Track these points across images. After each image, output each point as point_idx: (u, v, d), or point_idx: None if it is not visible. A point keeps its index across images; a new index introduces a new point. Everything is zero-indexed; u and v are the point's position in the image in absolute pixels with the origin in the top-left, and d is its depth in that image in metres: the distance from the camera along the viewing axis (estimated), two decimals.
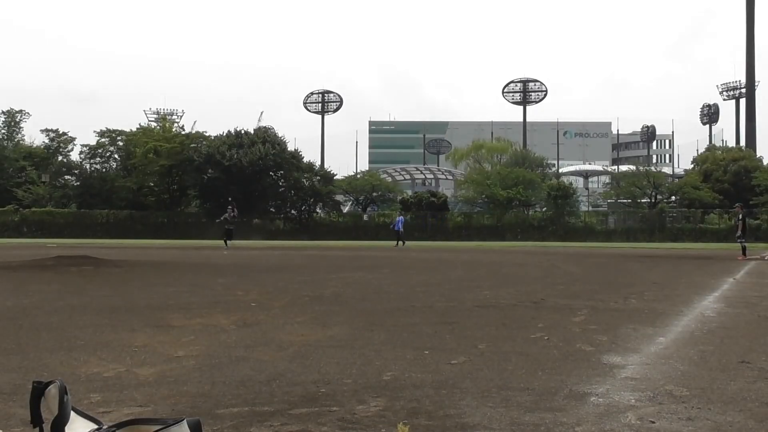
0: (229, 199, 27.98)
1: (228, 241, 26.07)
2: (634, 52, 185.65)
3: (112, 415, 2.86)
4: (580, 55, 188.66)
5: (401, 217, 37.59)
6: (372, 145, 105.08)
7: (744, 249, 20.15)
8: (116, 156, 59.68)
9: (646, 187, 55.64)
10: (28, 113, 66.32)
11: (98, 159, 59.64)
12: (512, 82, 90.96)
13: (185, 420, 1.00)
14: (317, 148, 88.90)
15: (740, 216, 21.77)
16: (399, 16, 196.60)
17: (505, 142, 65.35)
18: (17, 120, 65.33)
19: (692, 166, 64.65)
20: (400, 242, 33.39)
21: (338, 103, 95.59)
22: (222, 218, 27.34)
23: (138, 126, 59.56)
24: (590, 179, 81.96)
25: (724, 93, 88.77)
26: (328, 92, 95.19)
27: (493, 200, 53.75)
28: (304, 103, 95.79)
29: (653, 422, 2.78)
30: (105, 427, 1.02)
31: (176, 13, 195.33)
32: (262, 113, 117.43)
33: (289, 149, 54.44)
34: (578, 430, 2.68)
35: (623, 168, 69.86)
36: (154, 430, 0.99)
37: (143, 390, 3.31)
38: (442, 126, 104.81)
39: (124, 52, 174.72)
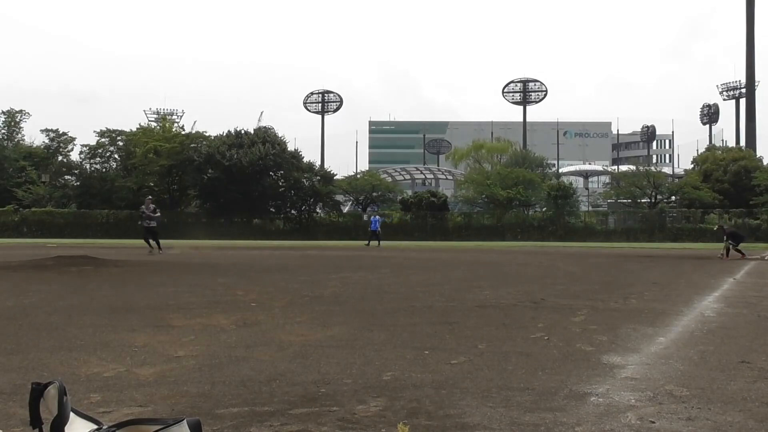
0: (149, 197, 24.28)
1: (152, 242, 21.32)
2: (634, 52, 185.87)
3: (112, 415, 2.86)
4: (579, 55, 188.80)
5: (377, 217, 36.57)
6: (372, 145, 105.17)
7: (734, 251, 19.78)
8: (116, 156, 59.72)
9: (646, 187, 55.64)
10: (28, 113, 66.44)
11: (98, 159, 59.68)
12: (512, 82, 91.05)
13: (185, 420, 1.00)
14: (317, 148, 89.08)
15: (725, 237, 20.95)
16: (399, 16, 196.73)
17: (505, 142, 65.34)
18: (17, 120, 65.37)
19: (692, 166, 64.68)
20: (375, 242, 32.15)
21: (338, 103, 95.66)
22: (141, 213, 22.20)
23: (138, 126, 59.64)
24: (590, 179, 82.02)
25: (724, 93, 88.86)
26: (328, 92, 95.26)
27: (493, 200, 53.76)
28: (304, 103, 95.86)
29: (653, 422, 2.78)
30: (105, 427, 1.02)
31: (176, 13, 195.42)
32: (262, 113, 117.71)
33: (289, 149, 54.46)
34: (578, 430, 2.68)
35: (623, 168, 69.86)
36: (154, 430, 0.99)
37: (143, 390, 3.31)
38: (442, 126, 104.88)
39: (124, 52, 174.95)
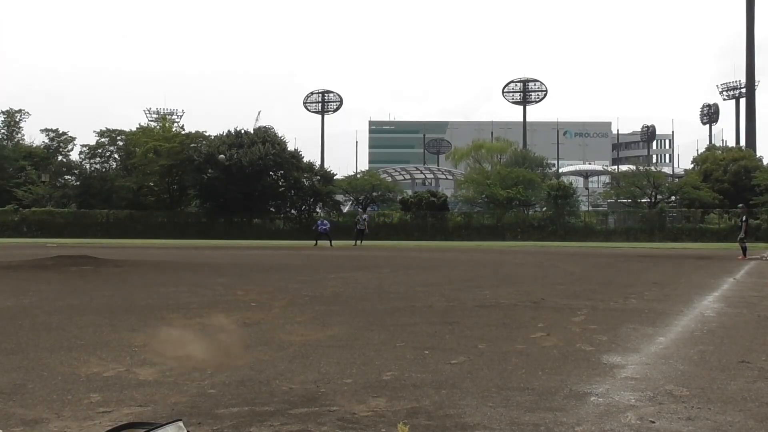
0: None
1: None
2: (634, 52, 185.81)
3: (112, 415, 2.86)
4: (579, 55, 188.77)
5: (326, 222, 36.58)
6: (372, 145, 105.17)
7: (745, 250, 20.12)
8: (116, 156, 59.73)
9: (646, 187, 55.61)
10: (27, 113, 66.48)
11: (98, 159, 59.67)
12: (512, 82, 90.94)
13: (180, 421, 1.00)
14: (317, 148, 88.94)
15: (744, 217, 21.75)
16: (398, 16, 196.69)
17: (505, 142, 65.38)
18: (17, 120, 65.40)
19: (692, 166, 64.66)
20: (326, 242, 32.64)
21: (338, 103, 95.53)
22: None
23: (138, 126, 59.64)
24: (590, 179, 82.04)
25: (724, 93, 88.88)
26: (328, 92, 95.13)
27: (493, 200, 53.75)
28: (304, 103, 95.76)
29: (653, 422, 2.78)
30: None
31: (176, 13, 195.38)
32: (259, 113, 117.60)
33: (289, 149, 54.43)
34: (578, 430, 2.68)
35: (623, 168, 69.84)
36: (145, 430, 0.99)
37: (143, 390, 3.31)
38: (442, 126, 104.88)
39: (124, 51, 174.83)
